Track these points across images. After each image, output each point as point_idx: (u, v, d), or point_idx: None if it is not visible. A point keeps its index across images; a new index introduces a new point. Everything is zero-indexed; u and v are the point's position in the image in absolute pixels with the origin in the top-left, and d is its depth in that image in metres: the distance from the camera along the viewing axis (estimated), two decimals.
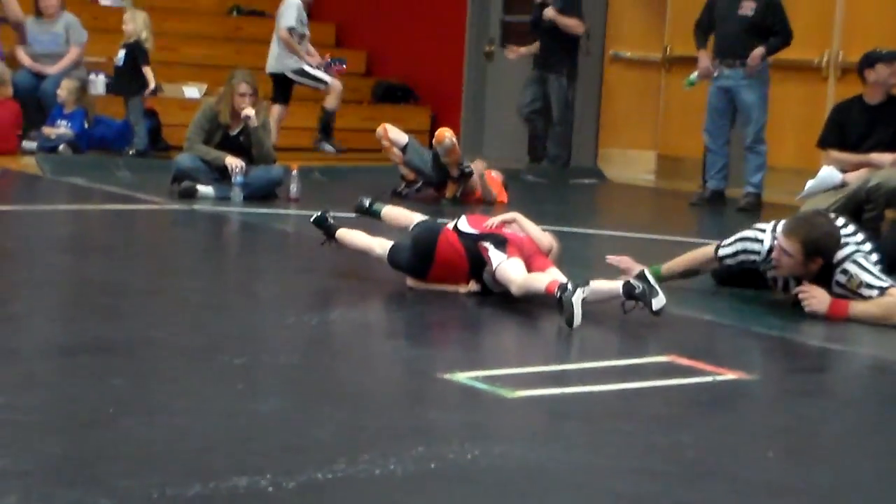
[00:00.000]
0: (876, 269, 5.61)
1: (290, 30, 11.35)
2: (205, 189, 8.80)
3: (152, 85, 11.09)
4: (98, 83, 11.78)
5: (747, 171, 10.18)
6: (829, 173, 8.28)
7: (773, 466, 3.56)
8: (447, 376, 4.22)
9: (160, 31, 13.64)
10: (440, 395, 4.11)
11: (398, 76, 14.24)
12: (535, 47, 12.02)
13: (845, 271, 5.57)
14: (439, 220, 5.94)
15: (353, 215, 6.57)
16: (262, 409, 3.80)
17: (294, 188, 8.98)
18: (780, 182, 10.10)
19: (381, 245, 5.98)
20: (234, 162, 8.79)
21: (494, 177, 9.93)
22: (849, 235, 5.67)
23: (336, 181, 10.67)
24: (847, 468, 3.59)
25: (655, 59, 12.35)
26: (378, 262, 5.98)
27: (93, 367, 4.18)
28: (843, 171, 8.22)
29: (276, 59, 11.51)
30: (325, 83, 11.55)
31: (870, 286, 5.54)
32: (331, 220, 6.37)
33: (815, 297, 5.56)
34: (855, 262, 5.57)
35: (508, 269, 5.45)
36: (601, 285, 5.23)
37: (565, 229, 7.53)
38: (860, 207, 7.97)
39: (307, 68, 11.46)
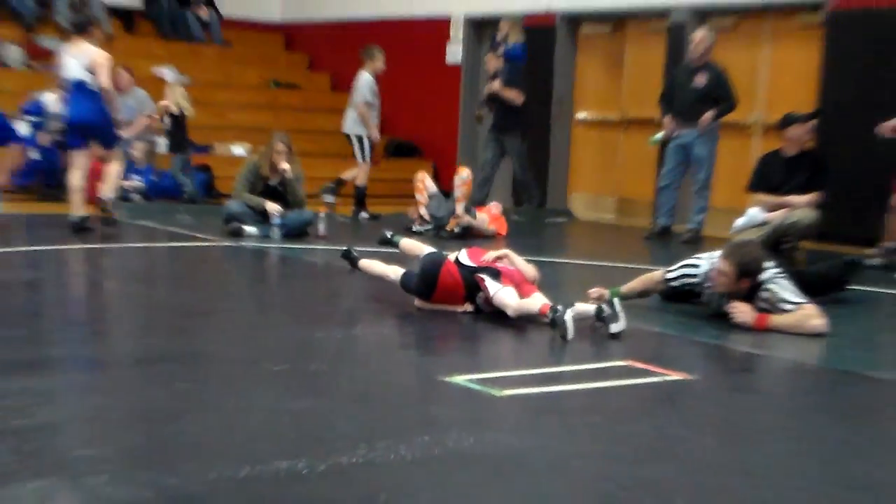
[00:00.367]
0: (791, 289, 5.64)
1: (367, 104, 10.91)
2: (250, 229, 8.82)
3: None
4: (161, 144, 11.82)
5: (693, 211, 10.15)
6: (755, 212, 8.32)
7: (712, 449, 3.58)
8: (448, 379, 4.23)
9: (213, 101, 13.74)
10: (442, 394, 4.10)
11: (406, 135, 14.27)
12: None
13: (767, 289, 5.60)
14: (444, 252, 5.95)
15: (374, 249, 6.62)
16: (297, 407, 3.81)
17: (322, 227, 8.98)
18: (716, 219, 10.06)
19: (394, 272, 6.11)
20: (273, 207, 8.88)
21: (495, 212, 9.93)
22: (769, 264, 5.70)
23: (356, 222, 10.66)
24: (771, 449, 3.60)
25: (614, 120, 12.38)
26: (393, 286, 6.04)
27: (163, 374, 4.19)
28: (767, 210, 8.27)
29: (352, 123, 10.99)
30: (366, 161, 11.01)
31: (787, 301, 5.58)
32: (355, 253, 6.81)
33: (743, 312, 5.59)
34: (775, 282, 5.62)
35: (505, 296, 5.48)
36: (581, 307, 5.30)
37: (542, 259, 7.55)
38: (779, 240, 8.01)
39: (365, 141, 10.96)
